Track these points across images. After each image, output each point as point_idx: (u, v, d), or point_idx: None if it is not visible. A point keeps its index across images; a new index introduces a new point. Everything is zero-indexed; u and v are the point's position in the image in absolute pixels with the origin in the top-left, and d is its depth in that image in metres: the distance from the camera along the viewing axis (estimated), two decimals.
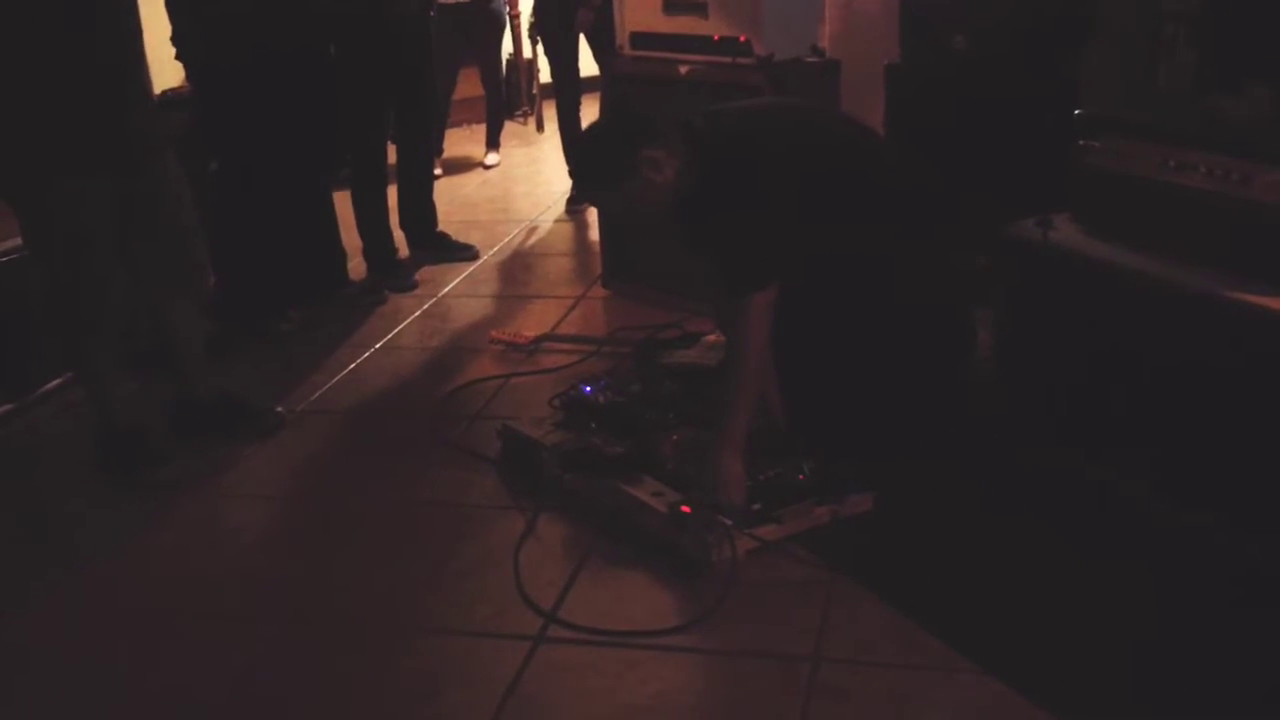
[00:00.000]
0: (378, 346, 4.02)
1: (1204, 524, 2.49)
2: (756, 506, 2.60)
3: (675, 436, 2.88)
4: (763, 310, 2.64)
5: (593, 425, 2.99)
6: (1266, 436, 2.41)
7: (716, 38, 3.82)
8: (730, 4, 3.83)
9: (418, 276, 4.65)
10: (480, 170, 6.34)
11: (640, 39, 4.13)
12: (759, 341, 2.66)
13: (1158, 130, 2.69)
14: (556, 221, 5.37)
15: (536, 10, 5.57)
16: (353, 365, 3.86)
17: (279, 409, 3.49)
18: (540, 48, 5.75)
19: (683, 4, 3.95)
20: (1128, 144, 2.72)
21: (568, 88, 5.34)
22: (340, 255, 4.49)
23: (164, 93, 4.23)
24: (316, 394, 3.66)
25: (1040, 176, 3.10)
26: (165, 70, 4.14)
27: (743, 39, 3.79)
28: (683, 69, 3.91)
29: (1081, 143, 2.82)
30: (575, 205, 5.41)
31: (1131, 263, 2.67)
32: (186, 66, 4.15)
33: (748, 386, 2.67)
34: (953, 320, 3.07)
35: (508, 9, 6.41)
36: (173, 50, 3.98)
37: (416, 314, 4.30)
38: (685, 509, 2.58)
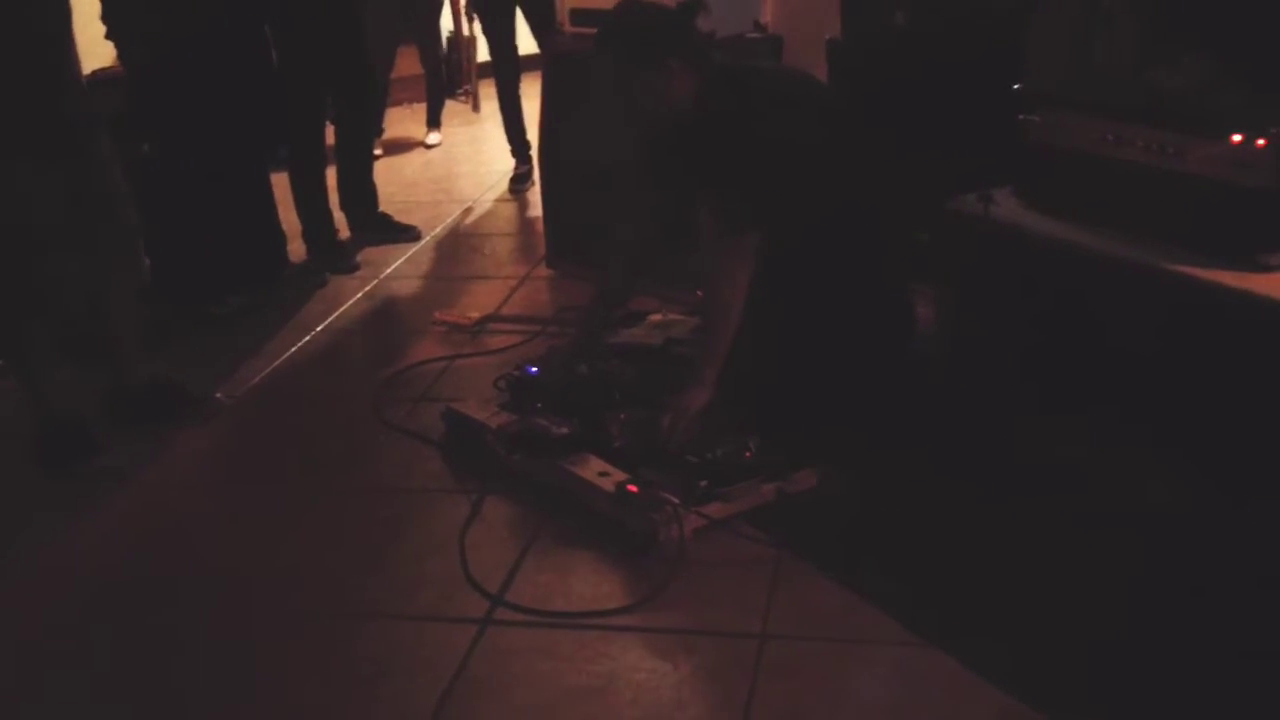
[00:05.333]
0: (318, 330, 3.95)
1: (1151, 491, 2.53)
2: (704, 484, 2.60)
3: (622, 415, 2.86)
4: (750, 253, 2.71)
5: (538, 406, 2.96)
6: (1205, 402, 2.44)
7: None
8: None
9: (359, 258, 4.58)
10: (422, 150, 6.26)
11: (580, 15, 4.08)
12: (743, 284, 2.72)
13: (1098, 104, 2.71)
14: (499, 201, 5.32)
15: None
16: (293, 349, 3.80)
17: (218, 395, 3.43)
18: (478, 25, 5.68)
19: None
20: (1068, 118, 2.74)
21: (506, 66, 5.27)
22: (279, 237, 4.40)
23: (94, 73, 4.12)
24: (256, 379, 3.60)
25: (982, 151, 3.11)
26: (95, 50, 4.04)
27: None
28: None
29: (1022, 117, 2.83)
30: (519, 185, 5.36)
31: (1072, 236, 2.69)
32: (117, 45, 4.04)
33: (729, 329, 2.74)
34: (901, 297, 3.10)
35: None
36: (102, 29, 3.88)
37: (358, 296, 4.24)
38: (632, 488, 2.56)
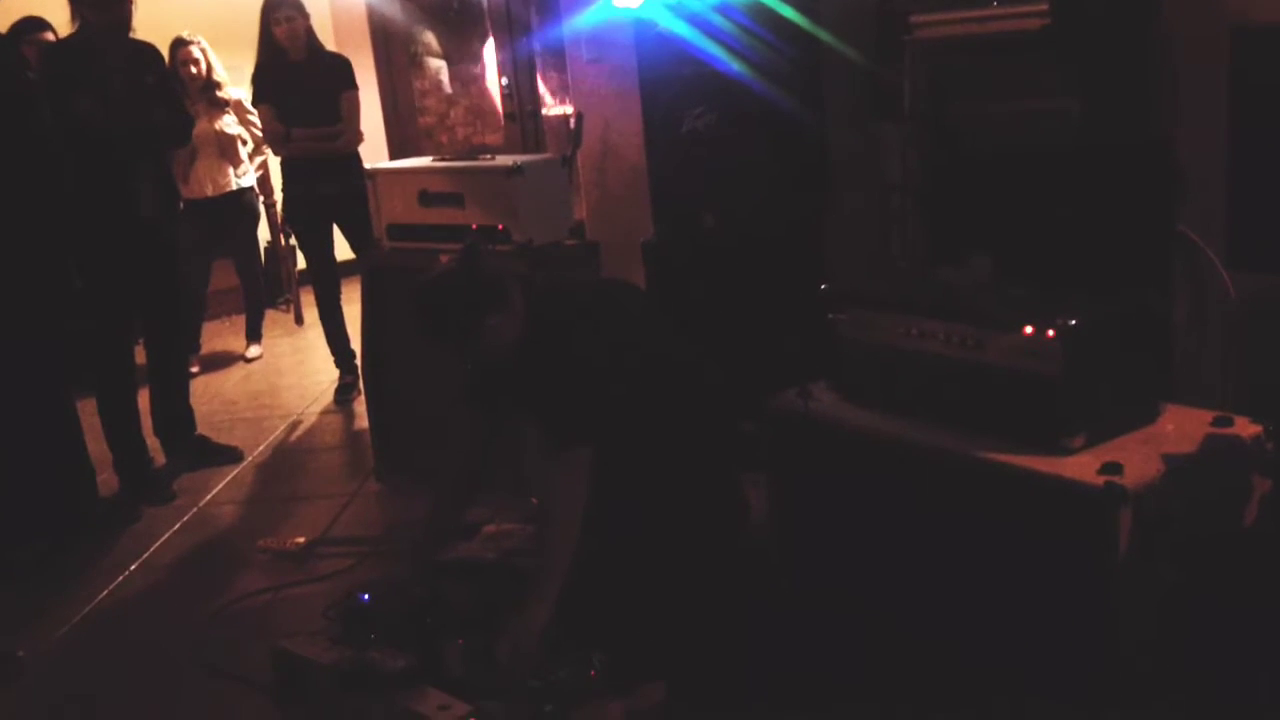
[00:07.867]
0: (132, 569, 3.72)
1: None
2: (549, 709, 2.51)
3: (460, 641, 2.76)
4: (582, 467, 2.70)
5: (372, 637, 2.83)
6: (1008, 579, 2.51)
7: (475, 226, 3.85)
8: (486, 194, 3.89)
9: (176, 485, 4.37)
10: (242, 364, 6.12)
11: (397, 230, 4.13)
12: (581, 498, 2.69)
13: (899, 301, 2.84)
14: (324, 414, 5.20)
15: (285, 204, 5.46)
16: (104, 593, 3.56)
17: (19, 652, 3.18)
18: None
19: (438, 196, 3.98)
20: (873, 315, 2.86)
21: (325, 279, 5.25)
22: (87, 471, 4.17)
23: None
24: (64, 629, 3.35)
25: (800, 341, 3.23)
26: None
27: (500, 227, 3.85)
28: (442, 258, 3.91)
29: (830, 316, 2.95)
30: (345, 396, 5.27)
31: (887, 427, 2.78)
32: None
33: (569, 545, 2.68)
34: (732, 490, 3.13)
35: (261, 199, 6.30)
36: None
37: (175, 528, 4.03)
38: None
